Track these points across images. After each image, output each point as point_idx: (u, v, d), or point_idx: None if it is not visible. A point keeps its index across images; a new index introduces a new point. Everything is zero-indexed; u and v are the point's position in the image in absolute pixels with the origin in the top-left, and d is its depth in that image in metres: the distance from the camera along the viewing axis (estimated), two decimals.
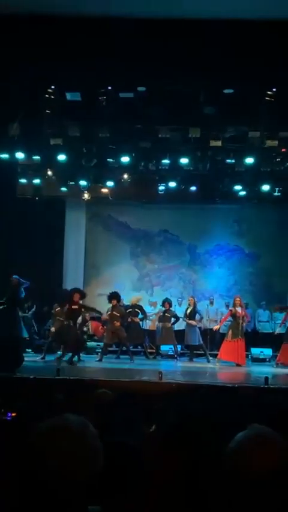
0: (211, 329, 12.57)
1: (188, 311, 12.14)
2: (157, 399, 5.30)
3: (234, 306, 11.30)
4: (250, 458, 1.27)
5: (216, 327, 12.17)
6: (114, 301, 11.05)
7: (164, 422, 4.17)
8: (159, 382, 7.46)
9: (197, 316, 12.29)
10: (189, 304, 12.31)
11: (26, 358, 9.16)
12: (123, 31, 6.83)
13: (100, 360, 10.56)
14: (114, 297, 11.15)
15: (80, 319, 10.67)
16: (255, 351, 12.37)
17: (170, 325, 12.07)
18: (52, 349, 11.07)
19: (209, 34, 6.83)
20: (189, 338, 11.99)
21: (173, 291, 14.22)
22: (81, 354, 10.83)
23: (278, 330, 11.78)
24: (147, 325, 13.49)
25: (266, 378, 7.59)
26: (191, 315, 12.05)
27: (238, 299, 11.40)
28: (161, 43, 6.88)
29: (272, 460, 1.26)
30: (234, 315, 11.20)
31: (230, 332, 11.10)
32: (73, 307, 10.09)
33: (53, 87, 8.22)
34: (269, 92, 8.11)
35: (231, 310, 11.36)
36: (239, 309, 11.21)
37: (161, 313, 12.48)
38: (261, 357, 12.15)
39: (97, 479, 1.38)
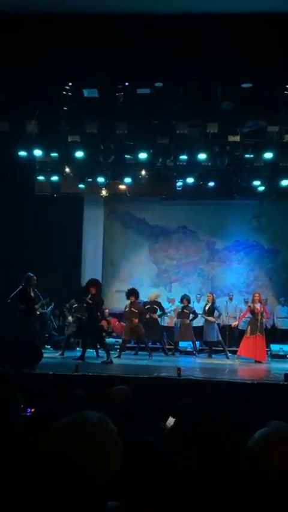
0: (230, 325, 12.52)
1: (207, 307, 12.10)
2: (176, 396, 5.30)
3: (253, 302, 11.22)
4: (270, 456, 1.26)
5: (235, 324, 12.12)
6: (133, 298, 11.07)
7: (185, 419, 4.17)
8: (178, 379, 7.45)
9: (216, 313, 12.23)
10: (207, 301, 12.27)
11: (45, 355, 9.24)
12: (140, 27, 6.81)
13: (119, 357, 10.59)
14: (132, 293, 11.16)
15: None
16: (275, 348, 12.28)
17: (188, 321, 12.04)
18: (70, 345, 11.14)
19: (226, 28, 6.77)
20: (208, 334, 11.95)
21: (191, 287, 14.19)
22: (99, 351, 10.89)
23: None
24: (166, 321, 13.49)
25: (286, 375, 7.53)
26: (210, 312, 12.01)
27: (257, 295, 11.32)
28: (178, 38, 6.84)
29: None
30: (253, 311, 11.13)
31: (249, 328, 11.05)
32: (88, 300, 10.11)
33: (70, 84, 8.24)
34: (287, 86, 8.01)
35: (249, 307, 11.30)
36: (257, 305, 11.14)
37: (180, 310, 12.46)
38: (280, 353, 12.06)
39: (117, 475, 1.38)
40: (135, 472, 1.77)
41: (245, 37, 6.79)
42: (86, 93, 8.19)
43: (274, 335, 12.74)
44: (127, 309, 11.18)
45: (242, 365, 10.62)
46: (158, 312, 12.14)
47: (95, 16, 6.76)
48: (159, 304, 12.20)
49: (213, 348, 12.10)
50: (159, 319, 12.27)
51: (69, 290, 12.03)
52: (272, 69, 7.32)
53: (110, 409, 3.35)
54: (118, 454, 1.41)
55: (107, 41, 6.87)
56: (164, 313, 12.38)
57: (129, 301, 11.17)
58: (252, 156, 10.76)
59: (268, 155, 10.68)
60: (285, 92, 8.00)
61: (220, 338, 11.88)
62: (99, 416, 1.44)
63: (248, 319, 11.35)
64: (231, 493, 1.38)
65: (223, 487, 1.49)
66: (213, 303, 12.19)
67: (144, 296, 12.58)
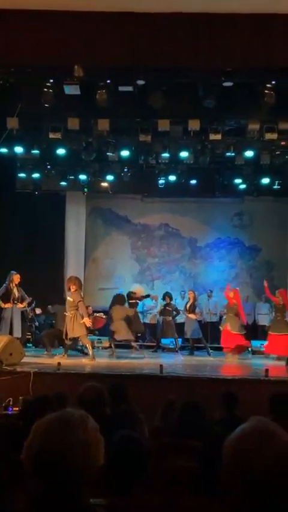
0: (211, 322, 12.60)
1: (188, 305, 12.17)
2: (158, 392, 5.33)
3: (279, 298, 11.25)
4: (251, 450, 1.28)
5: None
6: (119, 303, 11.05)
7: (169, 416, 4.19)
8: (160, 375, 7.48)
9: (197, 310, 12.31)
10: (189, 298, 12.34)
11: (27, 353, 9.19)
12: (122, 24, 6.79)
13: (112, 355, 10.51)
14: (119, 299, 11.13)
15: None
16: (256, 344, 12.39)
17: (170, 318, 12.09)
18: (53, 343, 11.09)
19: (208, 27, 6.79)
20: (189, 331, 12.03)
21: (173, 285, 14.24)
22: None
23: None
24: (148, 318, 13.53)
25: (266, 370, 7.62)
26: (191, 309, 12.08)
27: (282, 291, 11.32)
28: (159, 36, 6.84)
29: (272, 452, 1.27)
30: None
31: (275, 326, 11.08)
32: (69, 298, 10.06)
33: (51, 80, 8.18)
34: (268, 85, 8.06)
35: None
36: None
37: (162, 307, 12.50)
38: (261, 349, 12.16)
39: (99, 471, 1.39)
40: (118, 468, 1.79)
41: (226, 36, 6.82)
42: (67, 90, 8.14)
43: (255, 331, 12.85)
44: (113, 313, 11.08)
45: (223, 361, 10.70)
46: (139, 307, 12.18)
47: (76, 12, 6.72)
48: (140, 298, 12.22)
49: (195, 345, 12.16)
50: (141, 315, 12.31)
51: (51, 288, 11.99)
52: (253, 67, 7.37)
53: (90, 405, 3.35)
54: (100, 450, 1.42)
55: (88, 38, 6.83)
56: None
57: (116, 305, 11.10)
58: (233, 154, 10.83)
59: (249, 153, 10.77)
60: (266, 91, 8.05)
61: (201, 335, 11.94)
62: (81, 413, 1.45)
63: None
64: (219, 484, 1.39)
65: (213, 479, 1.51)
66: (194, 300, 12.26)
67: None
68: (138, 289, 12.53)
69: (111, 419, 3.39)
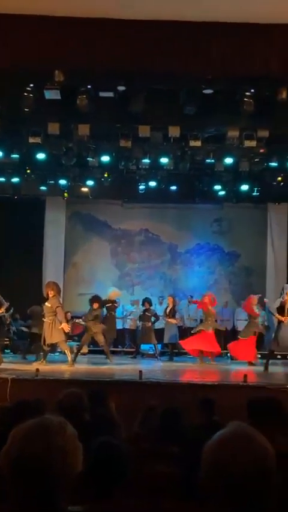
0: (191, 328, 12.62)
1: (168, 310, 12.21)
2: (138, 398, 5.32)
3: (252, 305, 11.39)
4: (230, 455, 1.28)
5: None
6: (96, 305, 10.98)
7: (149, 422, 4.18)
8: (140, 381, 7.47)
9: (177, 315, 12.36)
10: (168, 303, 12.38)
11: (5, 359, 9.08)
12: (102, 30, 6.80)
13: (74, 360, 10.25)
14: (96, 300, 11.05)
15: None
16: None
17: (150, 324, 12.09)
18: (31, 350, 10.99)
19: (187, 35, 6.85)
20: (168, 336, 12.06)
21: (153, 290, 14.25)
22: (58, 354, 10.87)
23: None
24: (128, 324, 13.51)
25: (245, 376, 7.67)
26: (171, 314, 12.12)
27: (254, 298, 11.46)
28: (139, 42, 6.87)
29: (251, 456, 1.28)
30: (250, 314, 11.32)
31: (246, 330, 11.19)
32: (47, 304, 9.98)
33: (31, 85, 8.15)
34: (247, 93, 8.17)
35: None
36: (255, 308, 11.28)
37: (141, 313, 12.50)
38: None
39: (77, 478, 1.38)
40: (98, 474, 1.78)
41: (206, 44, 6.89)
42: (47, 94, 8.12)
43: (234, 337, 12.91)
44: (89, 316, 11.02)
45: (203, 367, 10.73)
46: (118, 312, 12.15)
47: (57, 18, 6.71)
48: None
49: (175, 351, 12.19)
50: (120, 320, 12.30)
51: (30, 293, 11.89)
52: (233, 76, 7.46)
53: (68, 412, 3.33)
54: (78, 456, 1.41)
55: (68, 43, 6.83)
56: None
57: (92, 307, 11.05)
58: (213, 161, 10.93)
59: (228, 160, 10.88)
60: (245, 99, 8.15)
61: (178, 340, 12.00)
62: (59, 420, 1.44)
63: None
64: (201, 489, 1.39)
65: (195, 484, 1.51)
66: (174, 305, 12.30)
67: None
68: (114, 292, 12.48)
69: (90, 426, 3.37)
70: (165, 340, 12.19)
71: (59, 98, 8.15)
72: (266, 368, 9.86)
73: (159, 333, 12.36)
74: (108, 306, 11.89)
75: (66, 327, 9.86)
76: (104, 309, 11.67)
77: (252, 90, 8.17)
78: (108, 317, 11.77)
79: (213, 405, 4.54)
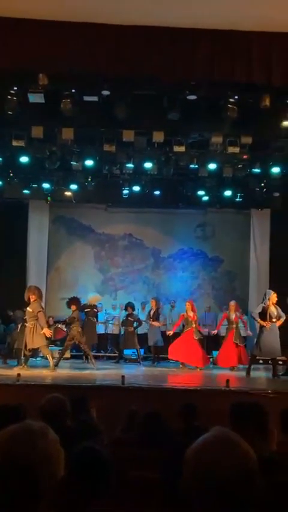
0: (174, 333, 12.63)
1: (152, 313, 12.21)
2: (120, 403, 5.30)
3: (229, 311, 11.45)
4: (212, 459, 1.28)
5: (214, 332, 12.15)
6: (74, 307, 10.92)
7: (131, 427, 4.17)
8: (122, 386, 7.45)
9: (161, 318, 12.38)
10: (151, 306, 12.38)
11: None
12: (86, 34, 6.80)
13: (56, 365, 10.12)
14: (73, 302, 10.99)
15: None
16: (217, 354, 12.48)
17: (132, 329, 12.07)
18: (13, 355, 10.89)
19: (171, 41, 6.88)
20: (152, 339, 12.06)
21: (136, 295, 14.23)
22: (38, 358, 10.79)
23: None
24: (110, 329, 13.48)
25: (227, 381, 7.70)
26: (155, 317, 12.13)
27: (233, 304, 11.53)
28: (124, 48, 6.89)
29: (233, 461, 1.28)
30: (228, 320, 11.36)
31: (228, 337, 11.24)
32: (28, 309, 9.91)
33: (15, 88, 8.11)
34: (231, 100, 8.24)
35: (226, 314, 11.52)
36: (233, 315, 11.35)
37: (124, 317, 12.49)
38: (216, 357, 12.25)
39: (60, 484, 1.36)
40: (79, 479, 1.76)
41: (190, 50, 6.93)
42: (31, 98, 8.09)
43: (216, 342, 12.95)
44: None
45: (185, 371, 10.75)
46: (101, 317, 12.12)
47: (41, 21, 6.69)
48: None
49: (157, 355, 12.19)
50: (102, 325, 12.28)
51: (12, 297, 11.78)
52: (216, 82, 7.52)
53: (50, 417, 3.30)
54: (60, 462, 1.39)
55: (53, 46, 6.81)
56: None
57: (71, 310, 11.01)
58: (197, 166, 10.98)
59: (212, 166, 10.96)
60: (229, 105, 8.23)
61: (162, 344, 12.01)
62: (40, 425, 1.43)
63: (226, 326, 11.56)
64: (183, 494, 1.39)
65: (178, 488, 1.50)
66: (157, 308, 12.31)
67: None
68: (94, 297, 12.44)
69: (72, 431, 3.34)
70: (150, 343, 12.18)
71: (43, 101, 8.13)
72: (248, 373, 9.91)
73: (142, 338, 12.35)
74: (88, 311, 11.85)
75: (48, 332, 9.80)
76: (83, 314, 11.64)
77: (236, 97, 8.25)
78: (87, 322, 11.73)
79: (195, 410, 4.54)
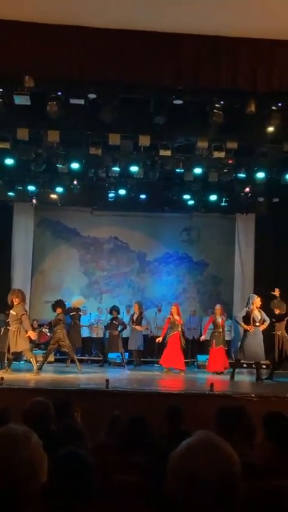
0: (158, 336, 12.65)
1: (135, 317, 12.21)
2: (104, 407, 5.28)
3: (215, 314, 11.47)
4: (196, 463, 1.28)
5: (202, 338, 12.12)
6: (59, 310, 10.88)
7: (115, 431, 4.15)
8: (106, 390, 7.42)
9: (144, 322, 12.38)
10: (135, 311, 12.38)
11: None
12: (73, 37, 6.79)
13: (40, 369, 10.07)
14: (59, 305, 10.96)
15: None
16: (202, 358, 12.54)
17: (117, 332, 12.05)
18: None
19: (158, 45, 6.90)
20: (133, 343, 12.06)
21: (122, 299, 14.22)
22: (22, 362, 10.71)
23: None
24: (95, 332, 13.46)
25: (211, 385, 7.72)
26: (138, 321, 12.13)
27: (218, 308, 11.56)
28: (110, 51, 6.89)
29: (217, 465, 1.28)
30: (215, 324, 11.38)
31: (214, 341, 11.25)
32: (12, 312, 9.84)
33: (1, 90, 8.07)
34: (217, 105, 8.30)
35: (212, 317, 11.55)
36: (219, 318, 11.38)
37: (109, 321, 12.46)
38: (206, 363, 12.32)
39: (42, 488, 1.35)
40: (62, 484, 1.74)
41: (176, 55, 6.96)
42: (17, 100, 8.05)
43: (201, 346, 13.00)
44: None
45: (169, 376, 10.75)
46: (83, 321, 12.09)
47: (28, 23, 6.67)
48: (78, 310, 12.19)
49: (141, 359, 12.18)
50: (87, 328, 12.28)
51: None
52: (203, 87, 7.55)
53: (33, 421, 3.27)
54: (43, 467, 1.38)
55: (39, 49, 6.78)
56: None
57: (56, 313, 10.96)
58: (182, 170, 11.02)
59: (198, 170, 11.00)
60: (215, 110, 8.28)
61: (142, 348, 12.02)
62: (23, 429, 1.42)
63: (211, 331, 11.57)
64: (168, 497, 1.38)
65: (162, 492, 1.49)
66: (141, 312, 12.31)
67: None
68: (78, 300, 12.42)
69: (55, 435, 3.32)
70: (130, 347, 12.18)
71: (29, 103, 8.09)
72: (233, 377, 9.95)
73: (127, 342, 12.35)
74: (73, 314, 11.84)
75: (32, 334, 9.72)
76: (68, 317, 11.63)
77: (222, 102, 8.30)
78: (72, 325, 11.71)
79: (181, 413, 4.54)
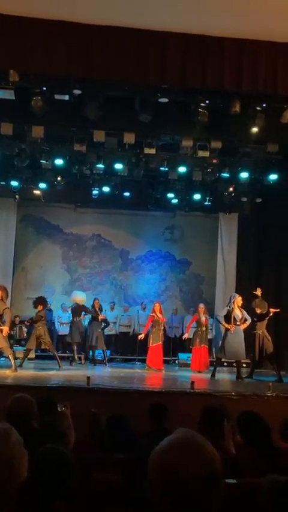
0: (139, 334, 12.66)
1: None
2: (85, 404, 5.26)
3: (199, 313, 11.49)
4: (177, 461, 1.28)
5: (185, 336, 12.12)
6: (41, 307, 10.80)
7: (95, 429, 4.14)
8: (87, 387, 7.40)
9: (125, 319, 12.39)
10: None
11: None
12: (58, 33, 6.75)
13: (20, 366, 10.03)
14: (40, 302, 10.89)
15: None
16: (183, 356, 12.59)
17: (100, 330, 12.02)
18: None
19: (143, 43, 6.89)
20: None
21: (104, 296, 14.18)
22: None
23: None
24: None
25: (192, 383, 7.75)
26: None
27: (202, 307, 11.59)
28: (94, 48, 6.86)
29: (197, 463, 1.28)
30: (198, 322, 11.41)
31: (197, 340, 11.28)
32: None
33: None
34: (202, 104, 8.32)
35: (195, 316, 11.58)
36: (203, 317, 11.41)
37: (91, 319, 12.42)
38: (188, 362, 12.37)
39: (23, 485, 1.34)
40: (42, 481, 1.74)
41: (161, 53, 6.95)
42: (1, 94, 7.97)
43: (183, 344, 13.06)
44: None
45: (150, 374, 10.77)
46: (64, 318, 12.16)
47: (14, 17, 6.59)
48: (85, 308, 12.17)
49: (124, 357, 12.20)
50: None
51: None
52: (188, 87, 7.57)
53: (12, 418, 3.25)
54: (23, 464, 1.37)
55: (24, 44, 6.72)
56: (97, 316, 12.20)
57: (37, 310, 10.88)
58: (167, 169, 11.04)
59: (182, 169, 11.03)
60: (200, 110, 8.30)
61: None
62: (3, 426, 1.40)
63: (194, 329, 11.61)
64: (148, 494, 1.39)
65: (143, 489, 1.50)
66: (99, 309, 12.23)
67: (56, 304, 12.42)
68: (78, 297, 12.32)
69: (37, 433, 3.30)
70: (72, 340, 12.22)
71: (13, 98, 8.03)
72: (213, 375, 10.01)
73: (109, 339, 12.36)
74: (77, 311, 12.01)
75: (5, 329, 9.54)
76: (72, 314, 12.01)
77: (207, 102, 8.33)
78: (76, 322, 12.00)
79: (165, 412, 4.54)
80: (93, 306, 12.15)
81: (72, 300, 12.39)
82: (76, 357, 12.09)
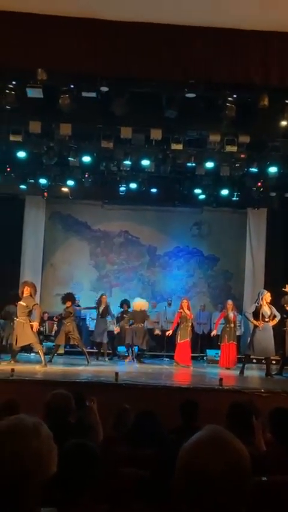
0: (168, 330, 12.64)
1: (101, 309, 12.05)
2: (113, 400, 5.30)
3: (227, 310, 11.45)
4: (205, 458, 1.28)
5: (213, 333, 12.09)
6: (69, 303, 10.91)
7: (123, 424, 4.17)
8: (116, 383, 7.45)
9: (154, 316, 12.39)
10: (102, 303, 12.20)
11: None
12: (86, 31, 6.77)
13: (50, 361, 10.18)
14: (68, 298, 11.01)
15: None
16: (211, 353, 12.53)
17: (127, 326, 12.06)
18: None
19: (171, 38, 6.86)
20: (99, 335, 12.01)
21: (132, 292, 14.23)
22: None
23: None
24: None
25: (221, 379, 7.71)
26: (104, 313, 12.03)
27: (230, 303, 11.54)
28: (123, 45, 6.86)
29: (225, 460, 1.27)
30: (226, 319, 11.37)
31: (225, 336, 11.25)
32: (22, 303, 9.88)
33: (14, 82, 8.07)
34: (229, 98, 8.23)
35: (224, 313, 11.54)
36: (231, 313, 11.37)
37: (119, 315, 12.48)
38: (216, 358, 12.31)
39: (52, 479, 1.36)
40: (74, 476, 1.75)
41: (189, 48, 6.90)
42: (30, 92, 8.05)
43: (211, 340, 13.00)
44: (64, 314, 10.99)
45: (179, 370, 10.76)
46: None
47: (41, 16, 6.66)
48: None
49: (147, 353, 12.23)
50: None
51: (5, 293, 11.75)
52: (215, 81, 7.50)
53: (46, 413, 3.30)
54: (53, 458, 1.39)
55: (52, 42, 6.78)
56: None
57: (65, 306, 10.99)
58: (194, 164, 10.96)
59: (209, 164, 10.93)
60: (227, 104, 8.22)
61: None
62: (34, 420, 1.42)
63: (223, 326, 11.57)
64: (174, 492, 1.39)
65: (168, 486, 1.50)
66: (107, 305, 12.15)
67: (84, 301, 12.55)
68: (140, 302, 12.18)
69: (72, 428, 3.35)
70: (96, 339, 12.14)
71: (41, 96, 8.09)
72: (242, 372, 9.93)
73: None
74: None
75: (36, 325, 9.68)
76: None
77: (235, 96, 8.24)
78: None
79: (196, 408, 4.53)
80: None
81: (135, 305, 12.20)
82: (106, 353, 12.13)
